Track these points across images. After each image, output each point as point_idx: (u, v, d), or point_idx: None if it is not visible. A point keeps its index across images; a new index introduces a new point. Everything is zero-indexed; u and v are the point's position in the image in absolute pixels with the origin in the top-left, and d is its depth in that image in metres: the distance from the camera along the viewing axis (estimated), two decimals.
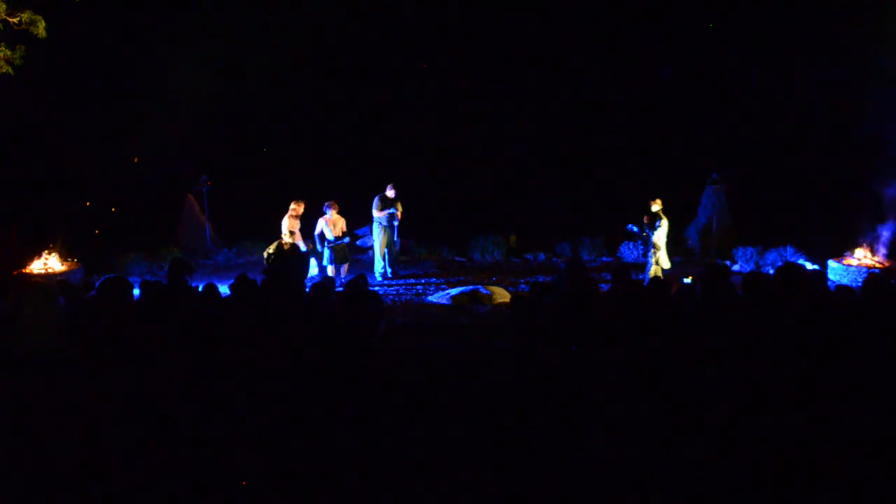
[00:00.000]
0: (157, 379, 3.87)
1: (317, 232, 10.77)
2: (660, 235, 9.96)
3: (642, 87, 17.23)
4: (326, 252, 10.67)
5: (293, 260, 9.75)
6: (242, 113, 16.58)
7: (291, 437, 4.08)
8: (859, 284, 6.10)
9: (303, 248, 10.34)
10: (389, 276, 11.63)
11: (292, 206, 10.37)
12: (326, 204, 10.76)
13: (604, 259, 13.36)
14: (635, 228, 10.19)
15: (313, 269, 10.95)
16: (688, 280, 7.90)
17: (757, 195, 14.96)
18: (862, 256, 11.05)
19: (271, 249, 9.81)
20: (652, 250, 10.05)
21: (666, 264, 10.14)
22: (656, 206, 9.95)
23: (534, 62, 17.83)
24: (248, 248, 13.97)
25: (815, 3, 14.55)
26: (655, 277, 7.42)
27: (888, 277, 4.69)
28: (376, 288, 10.85)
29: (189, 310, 5.01)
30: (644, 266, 10.58)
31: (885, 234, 10.99)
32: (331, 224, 10.65)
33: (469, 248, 13.90)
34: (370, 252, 12.28)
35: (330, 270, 10.68)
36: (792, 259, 11.78)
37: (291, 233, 10.03)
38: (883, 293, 4.37)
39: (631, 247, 13.24)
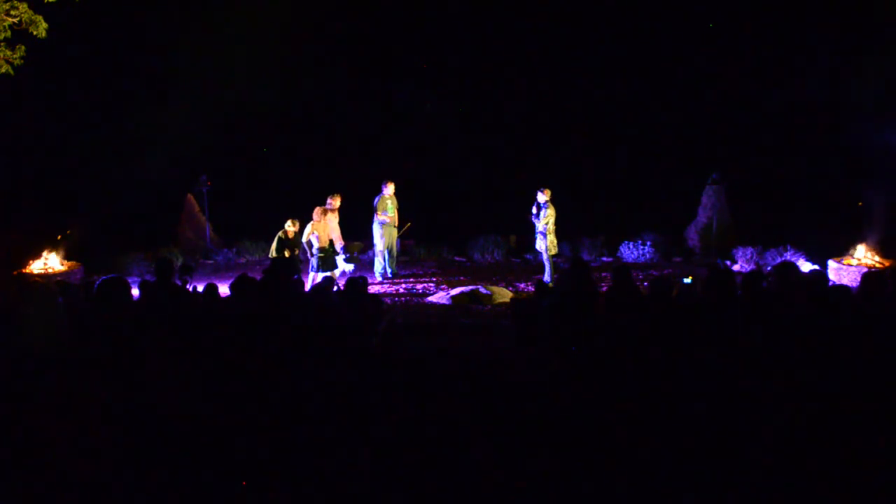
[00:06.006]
0: (154, 378, 3.87)
1: (304, 239, 9.86)
2: (549, 221, 10.84)
3: (643, 87, 17.22)
4: (314, 260, 9.94)
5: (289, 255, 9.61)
6: (242, 113, 16.57)
7: (289, 436, 4.08)
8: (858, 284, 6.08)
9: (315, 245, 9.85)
10: (390, 276, 11.63)
11: (328, 200, 10.20)
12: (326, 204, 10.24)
13: (604, 259, 13.34)
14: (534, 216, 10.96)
15: (346, 266, 10.32)
16: (688, 280, 7.87)
17: (757, 195, 14.93)
18: (862, 256, 11.03)
19: (282, 235, 9.59)
20: (545, 233, 10.88)
21: (554, 249, 11.02)
22: (545, 197, 10.80)
23: (534, 62, 17.83)
24: (248, 248, 13.96)
25: (815, 4, 14.56)
26: (659, 276, 7.47)
27: (887, 276, 4.68)
28: (376, 288, 10.85)
29: (178, 308, 5.01)
30: (643, 265, 11.62)
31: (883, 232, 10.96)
32: (321, 230, 9.87)
33: (469, 248, 13.88)
34: (370, 252, 12.26)
35: (315, 279, 9.76)
36: (792, 259, 11.77)
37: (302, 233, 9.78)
38: (881, 292, 4.37)
39: (631, 247, 13.22)
